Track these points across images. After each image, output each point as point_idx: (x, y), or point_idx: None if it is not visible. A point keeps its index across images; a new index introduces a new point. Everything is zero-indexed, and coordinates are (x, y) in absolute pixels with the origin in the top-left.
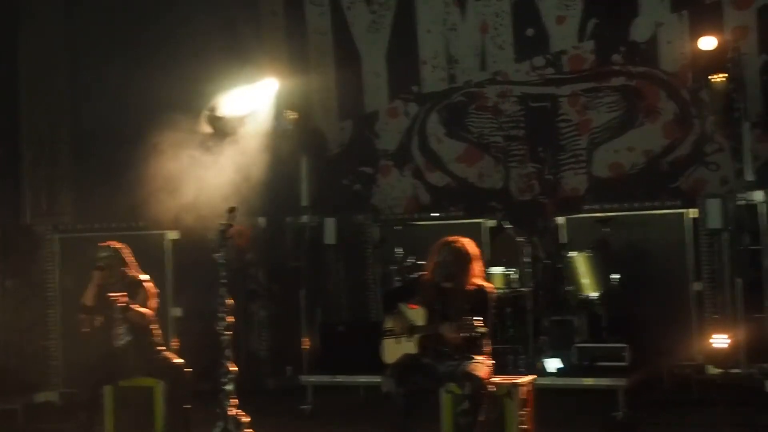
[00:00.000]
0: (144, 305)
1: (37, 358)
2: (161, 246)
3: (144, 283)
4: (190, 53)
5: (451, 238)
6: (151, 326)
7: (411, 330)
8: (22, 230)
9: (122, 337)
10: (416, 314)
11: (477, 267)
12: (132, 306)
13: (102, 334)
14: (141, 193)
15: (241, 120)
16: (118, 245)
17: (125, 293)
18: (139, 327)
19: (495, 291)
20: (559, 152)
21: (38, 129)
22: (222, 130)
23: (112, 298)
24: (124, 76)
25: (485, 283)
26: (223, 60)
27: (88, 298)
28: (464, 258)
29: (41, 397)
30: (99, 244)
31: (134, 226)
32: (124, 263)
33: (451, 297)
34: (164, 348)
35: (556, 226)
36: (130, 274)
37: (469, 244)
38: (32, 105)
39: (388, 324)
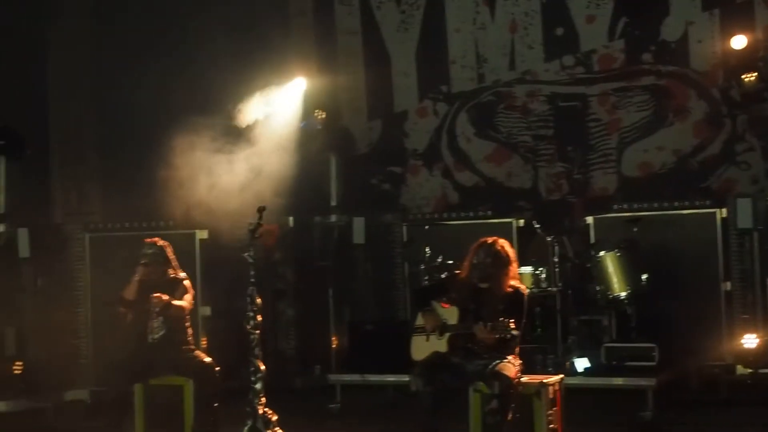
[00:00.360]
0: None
1: (67, 357)
2: (190, 245)
3: (183, 282)
4: (218, 53)
5: (489, 239)
6: (185, 324)
7: (442, 328)
8: (52, 229)
9: (157, 330)
10: (448, 313)
11: (513, 269)
12: (173, 302)
13: (137, 328)
14: (169, 193)
15: (269, 121)
16: (162, 243)
17: (165, 293)
18: (174, 322)
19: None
20: (589, 152)
21: (67, 128)
22: (248, 132)
23: (155, 299)
24: (152, 76)
25: (520, 285)
26: (251, 59)
27: (129, 292)
28: (502, 260)
29: (71, 395)
30: (145, 240)
31: (163, 226)
32: (167, 261)
33: (486, 297)
34: (194, 347)
35: (585, 226)
36: (172, 273)
37: (507, 246)
38: (61, 105)
39: (419, 321)
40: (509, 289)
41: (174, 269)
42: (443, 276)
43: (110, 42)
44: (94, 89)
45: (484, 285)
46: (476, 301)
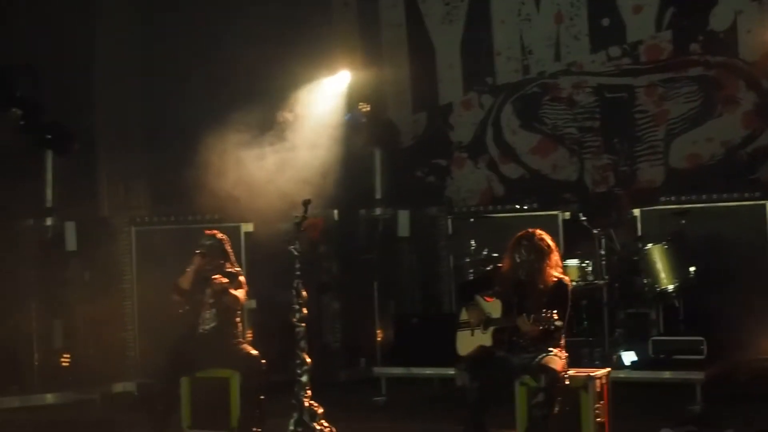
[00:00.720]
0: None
1: (114, 349)
2: (235, 238)
3: (239, 277)
4: (262, 45)
5: (527, 233)
6: (236, 318)
7: (487, 322)
8: (99, 223)
9: (208, 322)
10: (492, 306)
11: (554, 259)
12: (230, 290)
13: (188, 318)
14: (215, 186)
15: (314, 114)
16: (221, 236)
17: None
18: (226, 314)
19: (572, 284)
20: (635, 143)
21: (114, 123)
22: (293, 126)
23: (216, 280)
24: (198, 70)
25: (563, 276)
26: (296, 53)
27: (185, 281)
28: (543, 252)
29: (119, 387)
30: (205, 231)
31: (209, 219)
32: (224, 254)
33: (529, 290)
34: (242, 340)
35: (632, 218)
36: (228, 267)
37: (545, 237)
38: (107, 99)
39: (464, 316)
40: (552, 281)
41: (231, 263)
42: (486, 269)
43: (157, 37)
44: (141, 83)
45: (525, 277)
46: (519, 293)
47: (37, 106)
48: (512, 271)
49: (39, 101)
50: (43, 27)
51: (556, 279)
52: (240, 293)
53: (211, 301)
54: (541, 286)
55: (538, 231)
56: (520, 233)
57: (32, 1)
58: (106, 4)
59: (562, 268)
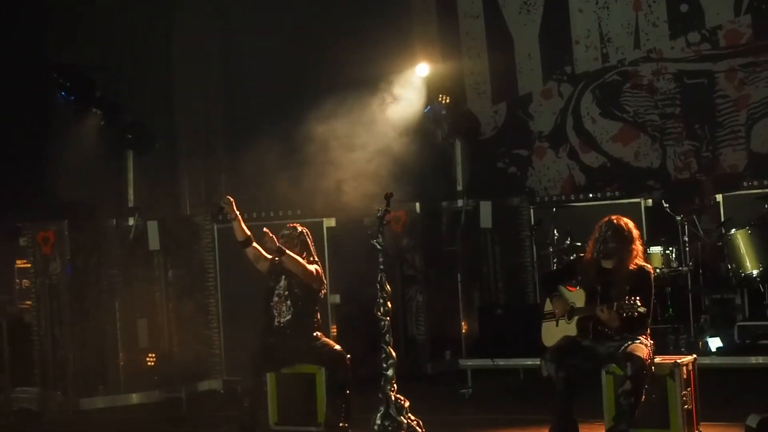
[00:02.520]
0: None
1: (199, 347)
2: (318, 233)
3: (316, 264)
4: (341, 38)
5: (614, 216)
6: (314, 307)
7: (571, 312)
8: (181, 221)
9: (284, 314)
10: (575, 296)
11: (637, 248)
12: (287, 251)
13: (266, 312)
14: (296, 182)
15: (394, 107)
16: (301, 228)
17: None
18: (302, 306)
19: (654, 271)
20: (717, 129)
21: (194, 121)
22: (372, 120)
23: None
24: (277, 65)
25: (645, 263)
26: (374, 45)
27: (238, 232)
28: (624, 235)
29: (204, 385)
30: (288, 224)
31: (291, 215)
32: (301, 246)
33: (611, 277)
34: (324, 335)
35: (715, 204)
36: (310, 259)
37: (630, 224)
38: (187, 97)
39: (548, 306)
40: (633, 267)
41: (312, 256)
42: (568, 259)
43: (234, 34)
44: (219, 80)
45: (608, 265)
46: (602, 281)
47: (117, 107)
48: (593, 254)
49: (119, 102)
50: (121, 28)
51: (637, 266)
52: (312, 268)
53: (285, 293)
54: (624, 274)
55: (624, 219)
56: (604, 219)
57: (110, 3)
58: (184, 2)
59: (647, 255)
